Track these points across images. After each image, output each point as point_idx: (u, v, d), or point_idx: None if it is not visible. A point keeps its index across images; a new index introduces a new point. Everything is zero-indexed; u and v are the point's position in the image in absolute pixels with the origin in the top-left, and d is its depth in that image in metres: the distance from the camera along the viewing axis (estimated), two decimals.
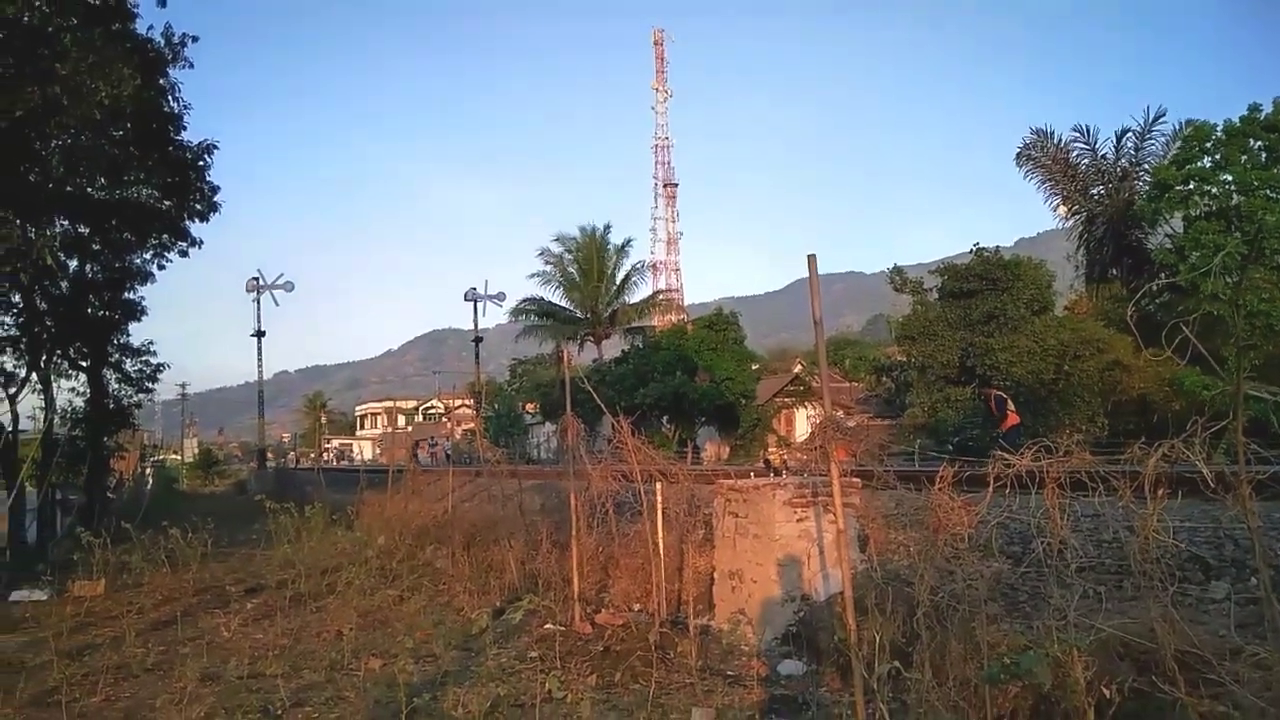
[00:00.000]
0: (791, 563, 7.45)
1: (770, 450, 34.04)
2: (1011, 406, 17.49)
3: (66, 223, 20.12)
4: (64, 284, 22.14)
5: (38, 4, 11.24)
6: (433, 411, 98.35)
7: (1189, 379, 21.60)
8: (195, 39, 18.65)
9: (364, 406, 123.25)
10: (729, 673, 6.77)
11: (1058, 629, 4.44)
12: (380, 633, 8.94)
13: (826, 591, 7.36)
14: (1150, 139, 31.33)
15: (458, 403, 77.35)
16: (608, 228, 50.28)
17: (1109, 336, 25.67)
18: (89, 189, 18.80)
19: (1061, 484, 4.86)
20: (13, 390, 21.72)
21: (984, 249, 29.28)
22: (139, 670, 7.92)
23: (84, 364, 24.09)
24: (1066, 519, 5.01)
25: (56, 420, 23.24)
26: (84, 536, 11.75)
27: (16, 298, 20.91)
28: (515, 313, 51.45)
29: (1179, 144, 28.34)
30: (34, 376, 22.00)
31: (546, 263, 50.05)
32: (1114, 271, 32.21)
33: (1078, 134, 33.15)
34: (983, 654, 4.79)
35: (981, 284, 27.77)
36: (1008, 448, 5.07)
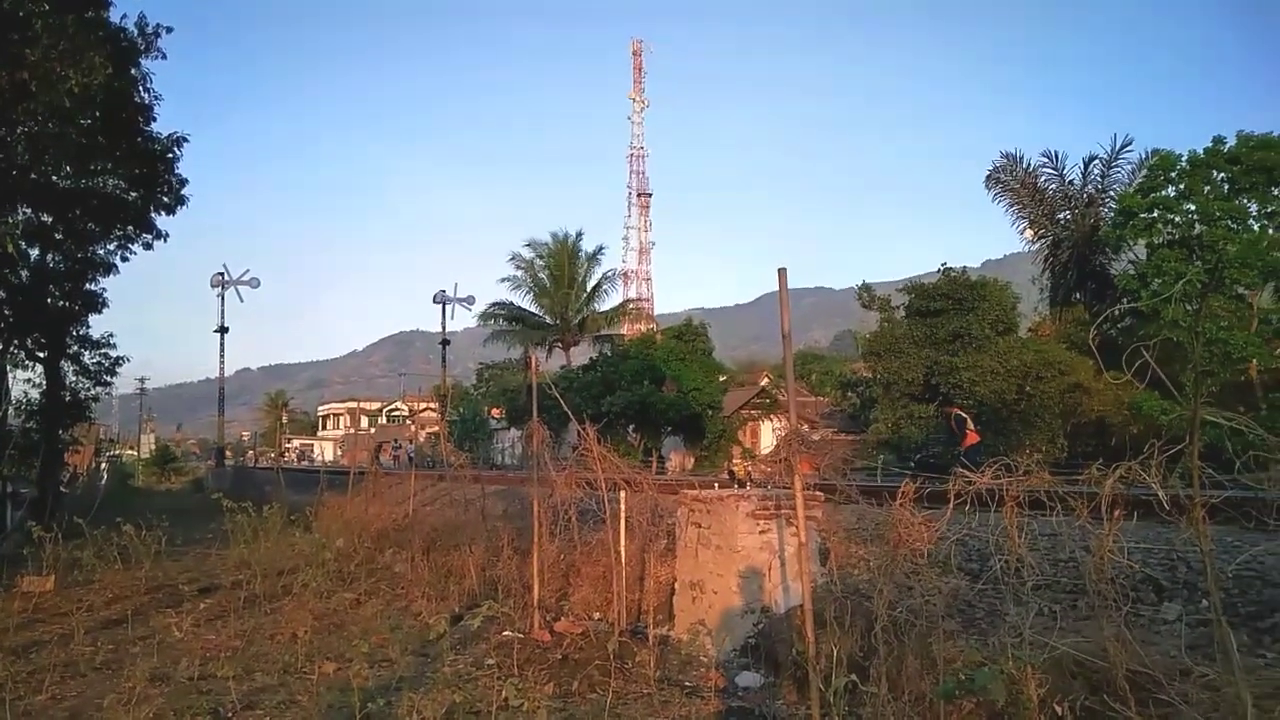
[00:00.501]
0: (753, 574, 7.46)
1: (735, 461, 34.16)
2: (971, 426, 17.68)
3: (30, 211, 19.78)
4: (24, 273, 21.73)
5: None
6: (397, 414, 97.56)
7: (1147, 403, 21.96)
8: (169, 30, 18.50)
9: (326, 407, 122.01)
10: (687, 683, 6.76)
11: (1013, 646, 4.49)
12: (336, 636, 8.83)
13: (786, 604, 7.38)
14: (1116, 167, 31.95)
15: (422, 406, 76.83)
16: (580, 234, 50.40)
17: (1071, 359, 26.04)
18: (54, 177, 18.51)
19: (1020, 503, 4.91)
20: None
21: (951, 269, 29.62)
22: (87, 669, 7.76)
23: (41, 355, 23.65)
24: (1024, 537, 5.06)
25: (11, 411, 22.79)
26: (34, 531, 11.52)
27: None
28: (484, 317, 51.28)
29: (1144, 172, 28.91)
30: None
31: (517, 267, 50.04)
32: (1078, 295, 32.71)
33: (1046, 159, 33.72)
34: (939, 670, 4.82)
35: (948, 303, 28.07)
36: (969, 465, 5.12)
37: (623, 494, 8.91)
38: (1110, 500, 4.39)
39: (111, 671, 7.58)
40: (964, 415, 18.18)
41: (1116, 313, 26.28)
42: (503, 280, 50.52)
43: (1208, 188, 26.09)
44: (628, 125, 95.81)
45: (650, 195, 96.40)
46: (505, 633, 8.36)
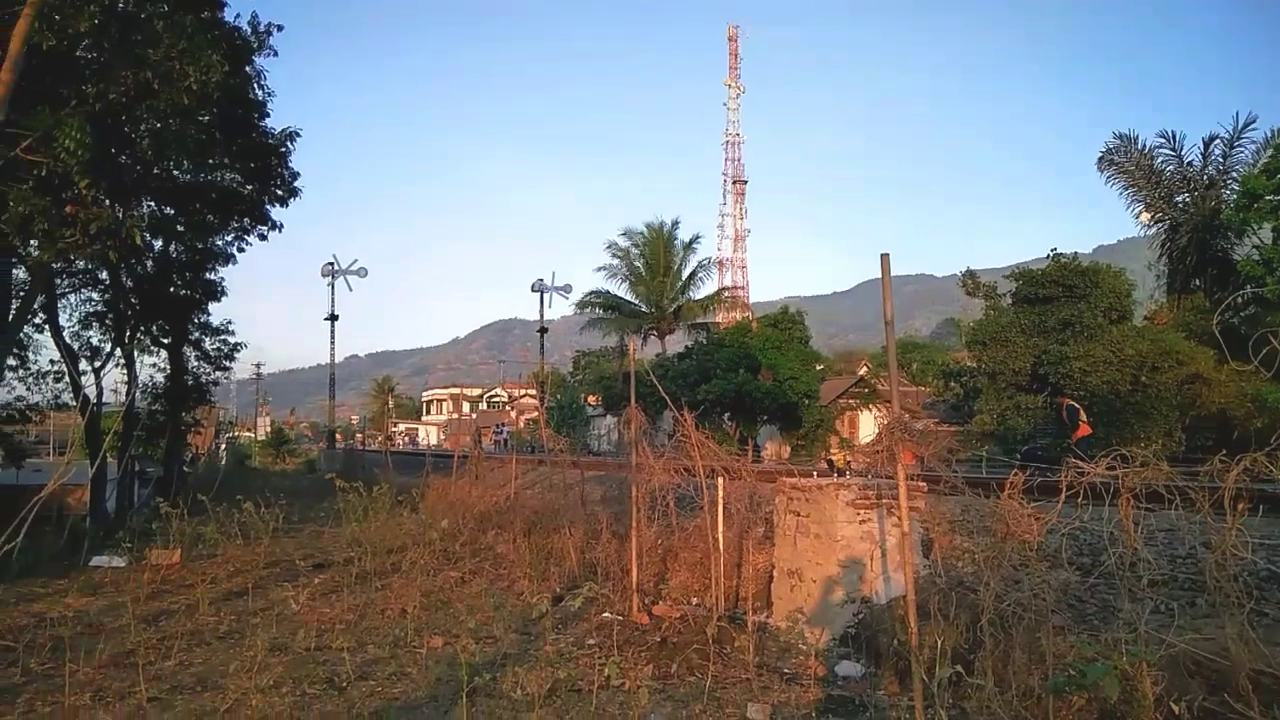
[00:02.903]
0: (853, 564, 7.40)
1: (833, 451, 33.73)
2: (1084, 417, 17.10)
3: (153, 204, 20.83)
4: (149, 263, 22.94)
5: None
6: (497, 400, 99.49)
7: (1273, 394, 20.82)
8: (280, 28, 19.17)
9: (430, 392, 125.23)
10: (785, 671, 6.76)
11: (1127, 642, 4.36)
12: (442, 613, 9.12)
13: (888, 594, 7.30)
14: (1239, 147, 30.19)
15: (521, 392, 78.15)
16: (675, 223, 50.40)
17: (1189, 349, 24.84)
18: (175, 172, 19.38)
19: (1136, 495, 4.75)
20: (98, 364, 22.64)
21: (1062, 255, 28.57)
22: (211, 638, 8.23)
23: (165, 341, 24.94)
24: (1140, 532, 4.90)
25: (138, 395, 24.12)
26: (162, 507, 12.21)
27: (104, 275, 21.76)
28: (581, 305, 51.87)
29: (1270, 152, 27.27)
30: (118, 352, 22.88)
31: (614, 256, 50.40)
32: (1197, 282, 31.14)
33: (1163, 140, 32.11)
34: (1048, 664, 4.72)
35: (1058, 290, 27.09)
36: (1081, 456, 4.98)
37: (720, 481, 8.94)
38: (1234, 494, 4.22)
39: (234, 640, 8.02)
40: (1076, 406, 17.60)
41: (1240, 300, 24.93)
42: (599, 269, 51.06)
43: None
44: (724, 112, 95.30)
45: (746, 182, 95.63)
46: (605, 614, 8.50)
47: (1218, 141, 30.59)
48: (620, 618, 8.36)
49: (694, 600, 9.04)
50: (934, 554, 7.56)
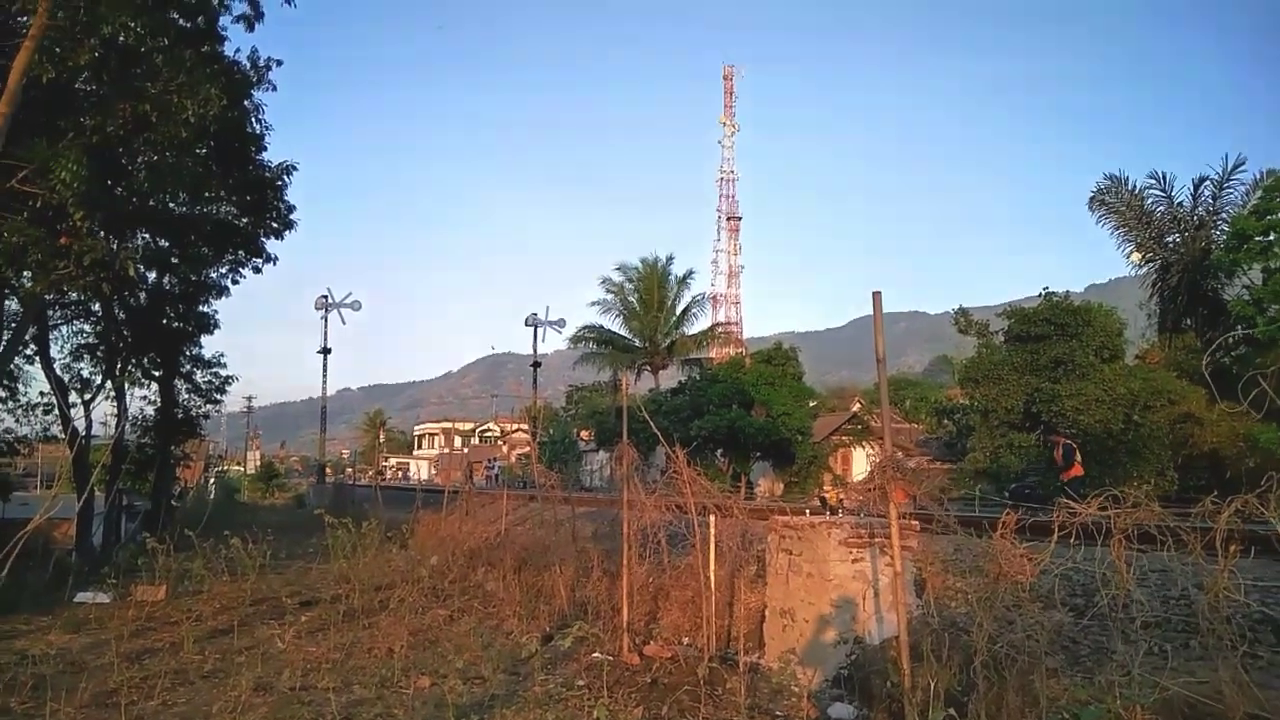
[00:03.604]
0: (845, 603, 7.34)
1: (826, 488, 33.62)
2: (1079, 457, 17.10)
3: (148, 236, 20.86)
4: (142, 295, 22.92)
5: (133, 25, 11.67)
6: (489, 434, 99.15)
7: (1265, 435, 20.84)
8: (280, 63, 19.29)
9: (422, 426, 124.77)
10: (778, 713, 6.68)
11: (1121, 685, 4.31)
12: (430, 652, 9.01)
13: (881, 635, 7.23)
14: (1229, 188, 30.50)
15: (513, 426, 77.95)
16: (670, 258, 50.66)
17: (1181, 388, 24.91)
18: (171, 204, 19.40)
19: (1129, 536, 4.73)
20: (88, 396, 22.51)
21: (1053, 293, 28.72)
22: (195, 676, 8.11)
23: (156, 373, 24.85)
24: (1133, 572, 4.87)
25: (127, 427, 23.97)
26: (148, 542, 12.08)
27: (97, 307, 21.71)
28: (574, 339, 51.96)
29: (1259, 193, 27.55)
30: (108, 384, 22.77)
31: (607, 291, 50.57)
32: (1188, 321, 31.30)
33: (1153, 180, 32.43)
34: (1041, 707, 4.66)
35: (1050, 329, 27.18)
36: (1073, 496, 4.97)
37: (712, 518, 8.89)
38: (1226, 535, 4.21)
39: (218, 680, 7.91)
40: (1073, 445, 17.59)
41: (1231, 340, 25.05)
42: (593, 304, 51.23)
43: None
44: (718, 150, 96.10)
45: (740, 219, 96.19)
46: (595, 654, 8.40)
47: (1207, 183, 30.92)
48: (610, 658, 8.27)
49: (685, 640, 8.94)
50: (927, 594, 7.51)
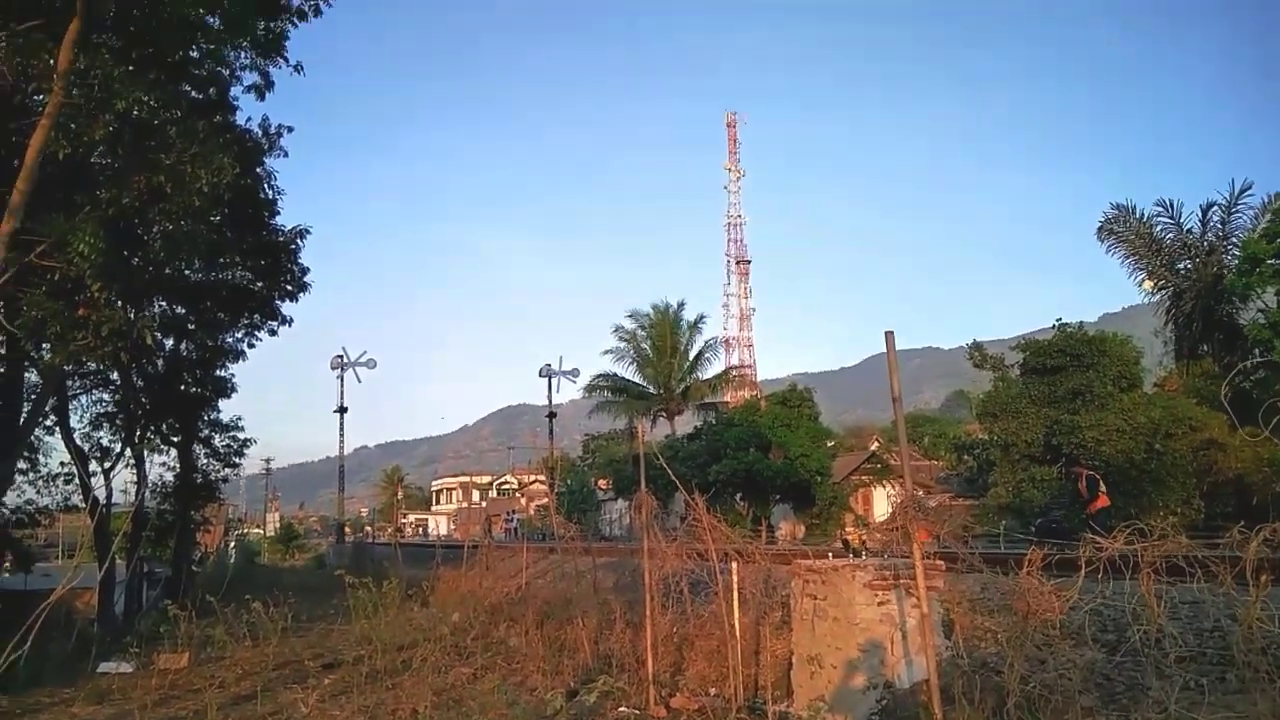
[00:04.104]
0: (873, 648, 7.23)
1: (848, 530, 33.30)
2: (1103, 488, 16.92)
3: (164, 303, 21.13)
4: (160, 362, 23.16)
5: (146, 99, 11.93)
6: (507, 487, 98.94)
7: None
8: (290, 129, 19.70)
9: (440, 481, 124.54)
10: None
11: None
12: (454, 712, 8.91)
13: (910, 679, 7.12)
14: (1237, 212, 30.45)
15: (531, 478, 77.80)
16: (681, 304, 50.85)
17: (1202, 414, 24.66)
18: (186, 272, 19.67)
19: (1157, 569, 4.67)
20: (108, 465, 22.65)
21: (1067, 324, 28.64)
22: None
23: (175, 439, 25.01)
24: (1163, 606, 4.80)
25: (147, 494, 24.05)
26: (170, 609, 12.06)
27: (115, 375, 21.93)
28: (589, 389, 52.03)
29: (1269, 217, 27.51)
30: (128, 451, 22.91)
31: (620, 339, 50.74)
32: (1204, 348, 31.08)
33: (1161, 208, 32.42)
34: None
35: (1065, 360, 27.06)
36: (1098, 530, 4.92)
37: (734, 565, 8.81)
38: (1256, 564, 4.15)
39: None
40: (1096, 476, 17.41)
41: (1248, 365, 24.85)
42: (606, 352, 51.42)
43: None
44: (724, 195, 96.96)
45: (749, 262, 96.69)
46: (621, 709, 8.30)
47: (1215, 208, 30.88)
48: (637, 712, 8.16)
49: (712, 690, 8.82)
50: (955, 635, 7.39)
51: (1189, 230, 31.94)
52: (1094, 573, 4.84)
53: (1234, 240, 30.42)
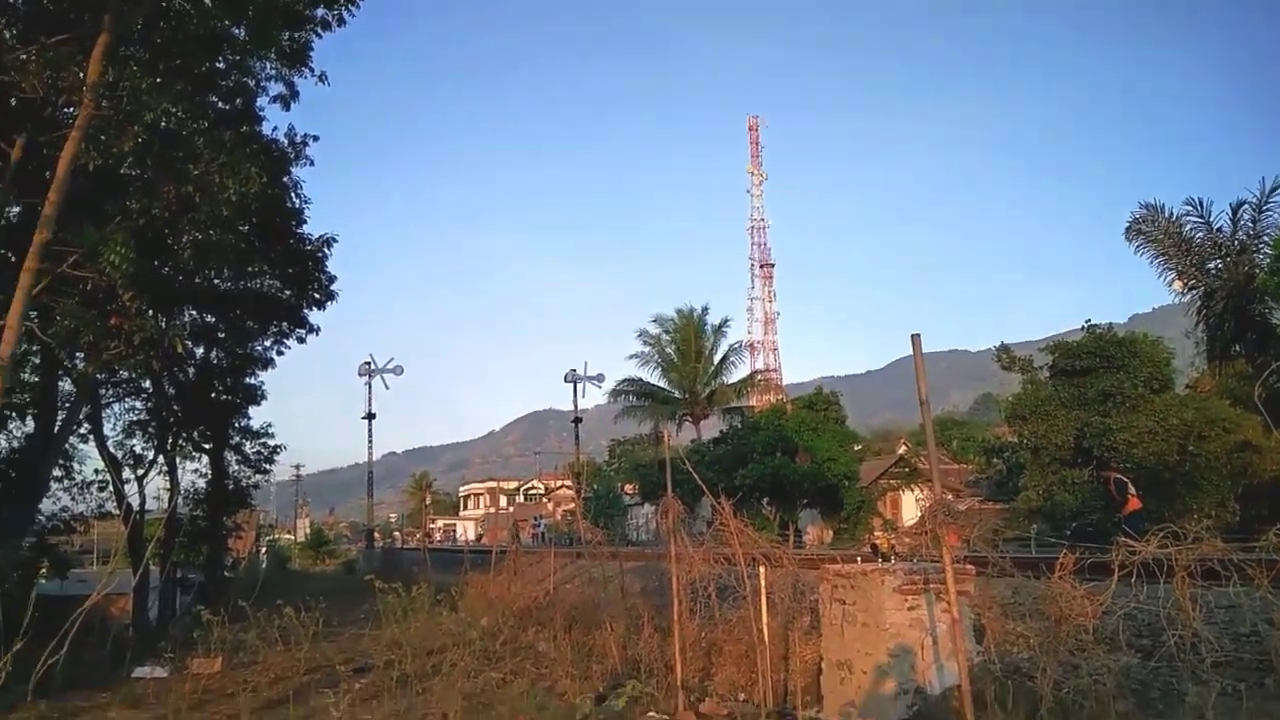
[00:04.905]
0: (903, 653, 7.19)
1: (876, 534, 33.07)
2: (1133, 490, 16.71)
3: (195, 312, 21.41)
4: (191, 370, 23.45)
5: (174, 110, 12.10)
6: (534, 492, 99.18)
7: None
8: (316, 138, 19.90)
9: (467, 487, 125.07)
10: None
11: None
12: (484, 716, 8.95)
13: (941, 684, 7.07)
14: (1268, 210, 29.95)
15: (558, 483, 77.97)
16: (705, 309, 50.78)
17: (1236, 416, 24.27)
18: (216, 280, 19.92)
19: (1192, 572, 4.62)
20: (141, 472, 22.96)
21: (1096, 325, 28.30)
22: None
23: (207, 446, 25.30)
24: (1199, 610, 4.74)
25: (180, 501, 24.35)
26: (203, 615, 12.19)
27: (147, 383, 22.23)
28: (614, 393, 52.07)
29: None
30: (161, 459, 23.21)
31: (645, 344, 50.74)
32: (1237, 348, 30.59)
33: (1190, 207, 31.93)
34: None
35: (1095, 361, 26.72)
36: (1131, 533, 4.87)
37: (762, 569, 8.79)
38: None
39: None
40: (1125, 479, 17.19)
41: None
42: (631, 357, 51.40)
43: None
44: (747, 199, 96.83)
45: (773, 265, 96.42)
46: (650, 714, 8.30)
47: (1246, 206, 30.40)
48: (666, 717, 8.16)
49: (741, 696, 8.80)
50: (986, 640, 7.33)
51: (1219, 229, 31.46)
52: (1127, 577, 4.79)
53: (1265, 239, 29.94)
